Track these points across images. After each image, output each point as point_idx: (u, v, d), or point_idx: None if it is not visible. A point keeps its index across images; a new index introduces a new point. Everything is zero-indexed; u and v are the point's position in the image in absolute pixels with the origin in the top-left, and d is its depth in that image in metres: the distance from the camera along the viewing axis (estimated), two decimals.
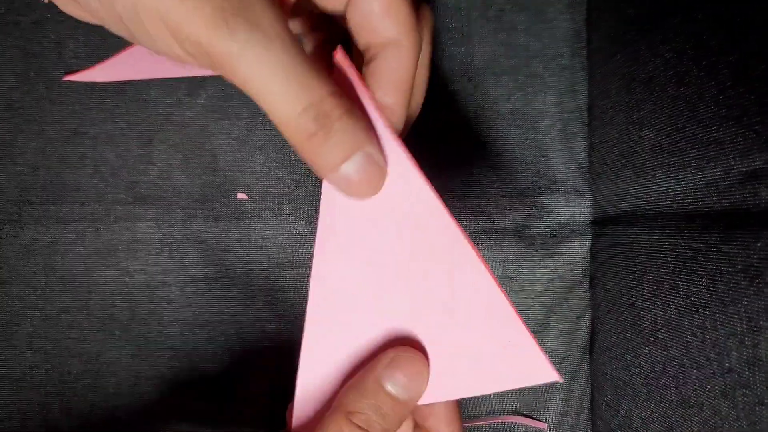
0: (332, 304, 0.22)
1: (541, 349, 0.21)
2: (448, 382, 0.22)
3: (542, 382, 0.21)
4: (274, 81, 0.18)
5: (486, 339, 0.21)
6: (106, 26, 0.19)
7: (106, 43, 0.33)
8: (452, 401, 0.24)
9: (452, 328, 0.21)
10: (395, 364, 0.21)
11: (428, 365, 0.21)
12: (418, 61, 0.22)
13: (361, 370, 0.22)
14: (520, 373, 0.21)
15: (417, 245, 0.21)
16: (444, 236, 0.21)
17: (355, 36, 0.22)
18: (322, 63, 0.19)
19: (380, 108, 0.21)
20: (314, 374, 0.22)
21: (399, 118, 0.22)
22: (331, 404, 0.21)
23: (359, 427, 0.20)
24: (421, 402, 0.22)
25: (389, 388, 0.21)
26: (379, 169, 0.20)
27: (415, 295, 0.21)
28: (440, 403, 0.23)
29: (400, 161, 0.21)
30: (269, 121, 0.35)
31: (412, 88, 0.22)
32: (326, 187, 0.21)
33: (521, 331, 0.21)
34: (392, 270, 0.21)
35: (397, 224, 0.21)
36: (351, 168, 0.19)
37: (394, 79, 0.21)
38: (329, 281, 0.22)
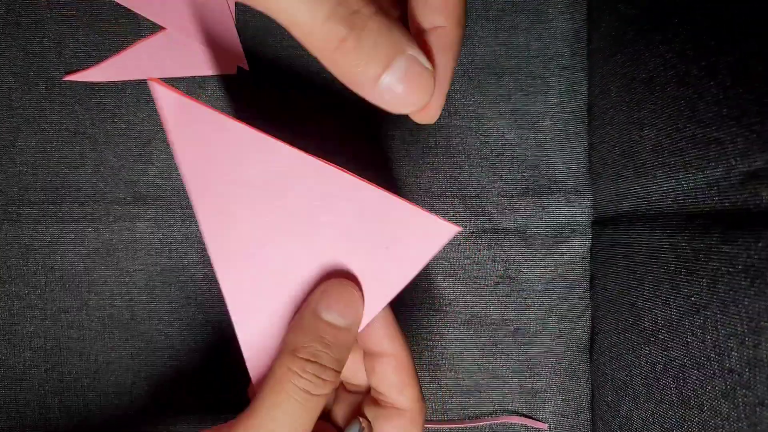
0: (241, 264, 0.22)
1: (429, 212, 0.21)
2: (373, 293, 0.22)
3: (446, 240, 0.22)
4: None
5: (381, 235, 0.21)
6: None
7: (106, 43, 0.33)
8: (388, 319, 0.24)
9: (354, 245, 0.22)
10: (327, 294, 0.21)
11: (358, 288, 0.21)
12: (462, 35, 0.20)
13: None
14: (423, 243, 0.21)
15: (294, 193, 0.21)
16: (304, 170, 0.21)
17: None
18: None
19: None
20: (252, 333, 0.22)
21: (454, 38, 0.20)
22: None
23: (306, 360, 0.20)
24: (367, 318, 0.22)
25: (327, 317, 0.20)
26: (427, 74, 0.17)
27: (315, 236, 0.21)
28: (377, 323, 0.23)
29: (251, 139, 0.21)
30: (269, 121, 0.35)
31: (465, 10, 0.20)
32: (179, 148, 0.20)
33: (402, 206, 0.21)
34: (283, 222, 0.21)
35: (272, 182, 0.21)
36: (395, 77, 0.17)
37: (442, 52, 0.19)
38: (227, 246, 0.21)
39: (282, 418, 0.20)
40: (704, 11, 0.24)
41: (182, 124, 0.20)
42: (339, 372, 0.21)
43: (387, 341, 0.24)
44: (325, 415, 0.26)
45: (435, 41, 0.19)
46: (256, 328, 0.22)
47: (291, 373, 0.20)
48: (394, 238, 0.22)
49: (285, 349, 0.21)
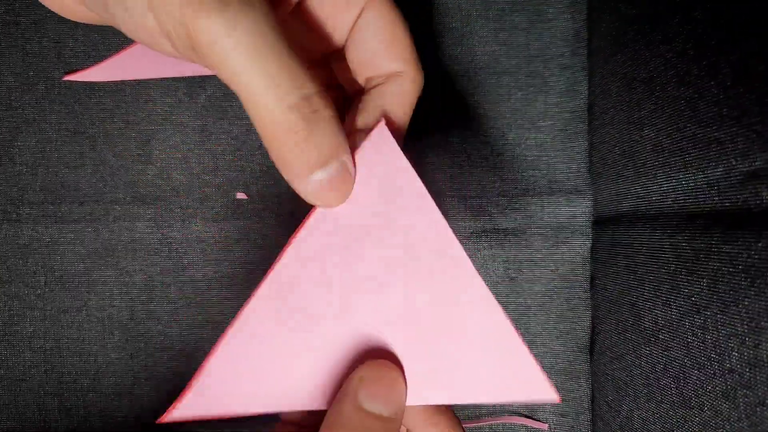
0: (286, 297, 0.20)
1: (541, 368, 0.20)
2: (438, 386, 0.20)
3: (537, 399, 0.20)
4: (266, 69, 0.16)
5: (481, 351, 0.20)
6: (87, 6, 0.18)
7: (105, 43, 0.33)
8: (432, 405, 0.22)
9: (444, 338, 0.20)
10: (368, 381, 0.19)
11: (400, 371, 0.20)
12: (420, 89, 0.21)
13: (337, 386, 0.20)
14: (516, 387, 0.20)
15: (409, 255, 0.20)
16: (443, 251, 0.20)
17: (355, 72, 0.21)
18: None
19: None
20: (238, 355, 0.20)
21: (411, 85, 0.21)
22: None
23: None
24: (410, 403, 0.20)
25: (370, 408, 0.18)
26: (350, 181, 0.19)
27: (396, 305, 0.20)
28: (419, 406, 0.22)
29: (407, 179, 0.20)
30: None
31: (411, 113, 0.21)
32: None
33: (520, 347, 0.20)
34: (369, 277, 0.20)
35: (388, 232, 0.20)
36: (325, 176, 0.18)
37: (396, 105, 0.21)
38: (292, 276, 0.20)
39: None
40: (705, 11, 0.24)
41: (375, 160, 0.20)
42: None
43: (430, 428, 0.22)
44: None
45: (392, 91, 0.21)
46: (243, 354, 0.20)
47: None
48: (485, 360, 0.20)
49: None
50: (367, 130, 0.20)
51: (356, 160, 0.20)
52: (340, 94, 0.25)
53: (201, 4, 0.15)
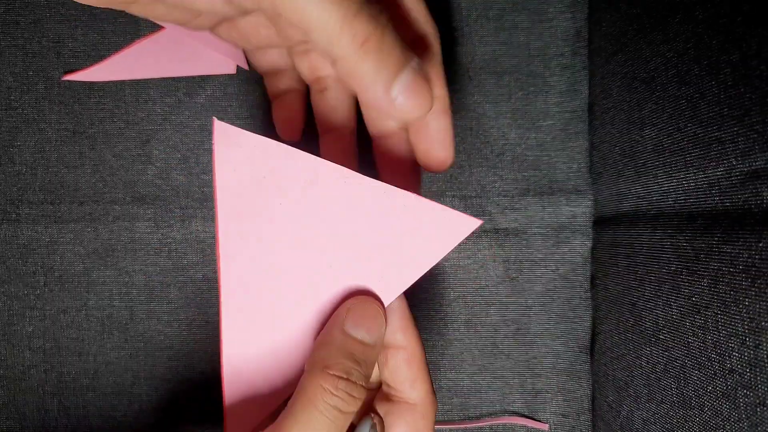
0: (247, 273, 0.22)
1: (446, 207, 0.22)
2: (389, 281, 0.22)
3: (466, 234, 0.22)
4: None
5: (396, 231, 0.22)
6: None
7: (104, 42, 0.33)
8: (403, 312, 0.24)
9: (367, 243, 0.22)
10: (354, 312, 0.21)
11: (381, 305, 0.22)
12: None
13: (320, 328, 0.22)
14: (441, 237, 0.22)
15: (313, 202, 0.22)
16: (317, 174, 0.21)
17: None
18: None
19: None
20: (241, 351, 0.22)
21: (447, 105, 0.23)
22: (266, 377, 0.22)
23: (339, 377, 0.20)
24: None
25: (355, 334, 0.21)
26: (426, 85, 0.19)
27: (332, 245, 0.22)
28: (392, 315, 0.24)
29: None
30: (269, 121, 0.35)
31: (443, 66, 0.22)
32: (220, 173, 0.22)
33: (419, 202, 0.22)
34: (300, 236, 0.22)
35: (294, 196, 0.22)
36: (403, 84, 0.18)
37: (431, 65, 0.22)
38: (240, 250, 0.22)
39: None
40: (705, 10, 0.24)
41: (225, 146, 0.21)
42: (366, 389, 0.21)
43: (401, 334, 0.24)
44: None
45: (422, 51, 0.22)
46: (246, 345, 0.22)
47: (323, 391, 0.20)
48: (409, 233, 0.22)
49: (315, 366, 0.21)
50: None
51: (216, 161, 0.21)
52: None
53: None
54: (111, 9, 0.21)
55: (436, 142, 0.23)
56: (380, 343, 0.22)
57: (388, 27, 0.18)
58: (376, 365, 0.25)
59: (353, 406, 0.21)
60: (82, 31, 0.33)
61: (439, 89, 0.23)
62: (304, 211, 0.22)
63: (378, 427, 0.23)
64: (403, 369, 0.24)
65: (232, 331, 0.22)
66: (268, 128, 0.33)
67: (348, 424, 0.21)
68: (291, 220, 0.22)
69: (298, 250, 0.22)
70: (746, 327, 0.21)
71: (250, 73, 0.33)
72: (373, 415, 0.24)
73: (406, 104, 0.19)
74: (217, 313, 0.33)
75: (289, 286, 0.22)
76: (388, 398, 0.24)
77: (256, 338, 0.22)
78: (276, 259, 0.22)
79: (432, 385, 0.24)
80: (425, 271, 0.22)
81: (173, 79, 0.33)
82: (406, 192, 0.22)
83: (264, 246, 0.22)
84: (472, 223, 0.22)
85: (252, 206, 0.22)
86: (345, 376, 0.20)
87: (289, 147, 0.21)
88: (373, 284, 0.22)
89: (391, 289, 0.22)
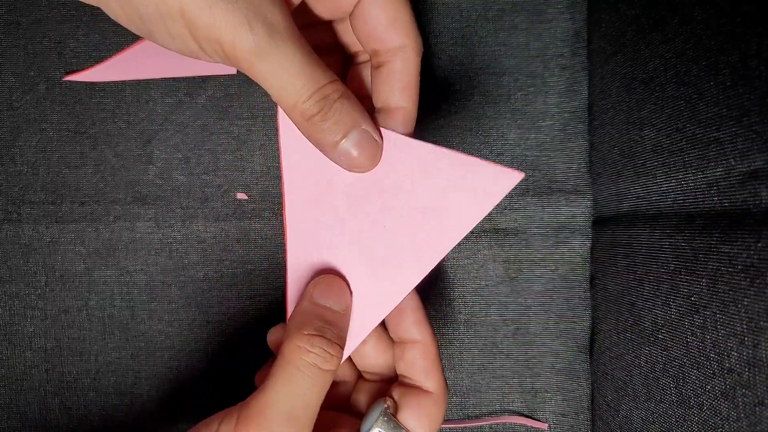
0: (308, 228, 0.24)
1: (486, 161, 0.23)
2: (438, 238, 0.23)
3: (510, 187, 0.23)
4: (286, 75, 0.20)
5: (430, 194, 0.23)
6: (122, 23, 0.21)
7: (106, 43, 0.33)
8: (418, 307, 0.26)
9: (401, 210, 0.24)
10: (319, 287, 0.24)
11: (344, 283, 0.24)
12: (420, 62, 0.24)
13: None
14: (486, 192, 0.23)
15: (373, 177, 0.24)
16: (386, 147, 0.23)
17: (361, 42, 0.24)
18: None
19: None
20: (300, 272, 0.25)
21: (411, 117, 0.25)
22: None
23: (313, 335, 0.22)
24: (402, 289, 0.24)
25: (323, 302, 0.23)
26: (375, 144, 0.23)
27: (387, 206, 0.24)
28: (407, 311, 0.25)
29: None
30: (269, 121, 0.35)
31: (418, 88, 0.25)
32: (285, 140, 0.24)
33: (461, 158, 0.23)
34: (356, 201, 0.24)
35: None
36: (349, 144, 0.22)
37: (405, 82, 0.24)
38: (302, 209, 0.24)
39: (294, 393, 0.21)
40: (704, 11, 0.24)
41: (290, 128, 0.23)
42: (342, 349, 0.23)
43: (416, 328, 0.25)
44: (344, 405, 0.27)
45: (396, 78, 0.24)
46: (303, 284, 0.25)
47: (300, 349, 0.22)
48: (455, 190, 0.23)
49: (291, 330, 0.22)
50: (387, 110, 0.24)
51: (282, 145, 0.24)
52: (340, 57, 0.27)
53: (239, 38, 0.19)
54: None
55: None
56: (348, 312, 0.24)
57: (335, 104, 0.21)
58: (381, 355, 0.27)
59: (331, 364, 0.22)
60: (84, 31, 0.33)
61: (410, 105, 0.25)
62: (357, 177, 0.24)
63: (391, 409, 0.25)
64: (418, 361, 0.25)
65: (293, 263, 0.25)
66: (273, 126, 0.33)
67: (329, 382, 0.22)
68: (349, 186, 0.24)
69: (354, 210, 0.24)
70: (745, 326, 0.22)
71: None
72: (387, 398, 0.25)
73: (353, 158, 0.22)
74: (219, 312, 0.33)
75: (345, 243, 0.24)
76: (402, 385, 0.26)
77: (311, 272, 0.25)
78: (335, 215, 0.24)
79: (444, 377, 0.26)
80: (472, 226, 0.23)
81: (174, 79, 0.33)
82: (451, 151, 0.23)
83: (323, 209, 0.24)
84: (514, 176, 0.22)
85: (313, 175, 0.24)
86: (319, 333, 0.22)
87: None
88: (423, 241, 0.23)
89: (441, 245, 0.23)
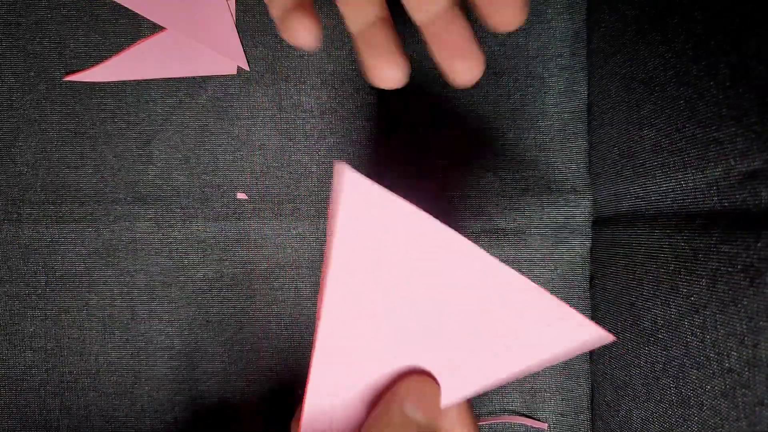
0: (343, 334, 0.21)
1: (579, 315, 0.20)
2: (486, 371, 0.22)
3: (594, 347, 0.21)
4: None
5: (512, 321, 0.21)
6: None
7: (106, 43, 0.33)
8: (465, 406, 0.24)
9: (475, 326, 0.21)
10: (413, 391, 0.21)
11: (438, 386, 0.22)
12: None
13: (378, 398, 0.22)
14: (571, 341, 0.21)
15: (430, 271, 0.21)
16: (452, 250, 0.20)
17: None
18: None
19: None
20: (321, 401, 0.22)
21: None
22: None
23: None
24: (455, 397, 0.22)
25: (412, 415, 0.21)
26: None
27: (429, 321, 0.21)
28: (452, 410, 0.23)
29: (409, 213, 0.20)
30: (269, 121, 0.35)
31: None
32: (342, 225, 0.20)
33: (560, 306, 0.21)
34: (404, 301, 0.21)
35: (410, 258, 0.20)
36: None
37: None
38: (340, 314, 0.21)
39: None
40: (704, 11, 0.24)
41: (354, 196, 0.19)
42: None
43: (459, 427, 0.23)
44: None
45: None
46: (324, 400, 0.22)
47: None
48: (522, 329, 0.21)
49: None
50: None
51: (339, 214, 0.19)
52: None
53: None
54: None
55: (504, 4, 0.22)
56: (435, 424, 0.21)
57: None
58: None
59: None
60: (84, 31, 0.33)
61: None
62: (416, 277, 0.20)
63: None
64: None
65: (319, 380, 0.22)
66: (273, 126, 0.33)
67: None
68: (401, 283, 0.21)
69: (400, 315, 0.21)
70: (745, 326, 0.22)
71: (250, 73, 0.33)
72: None
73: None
74: (219, 312, 0.33)
75: (383, 349, 0.21)
76: None
77: (339, 391, 0.22)
78: (376, 319, 0.21)
79: None
80: (535, 368, 0.21)
81: (174, 79, 0.33)
82: (535, 286, 0.20)
83: (368, 303, 0.21)
84: (603, 337, 0.20)
85: (366, 260, 0.20)
86: None
87: (417, 209, 0.20)
88: (465, 369, 0.21)
89: (485, 379, 0.22)
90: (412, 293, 0.21)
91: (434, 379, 0.22)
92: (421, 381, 0.21)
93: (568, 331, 0.21)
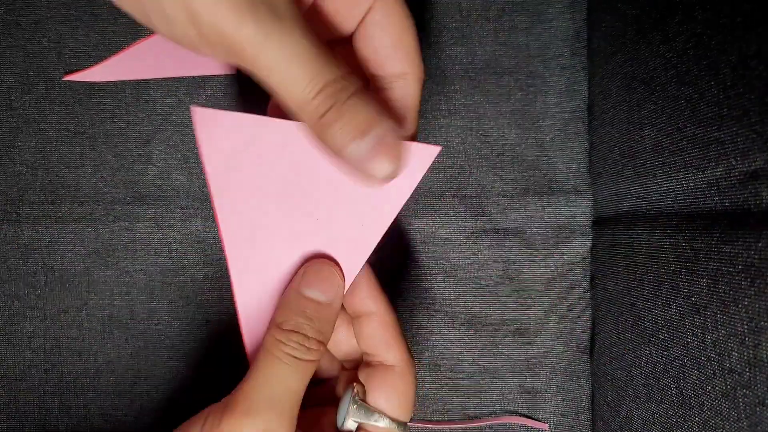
0: (246, 240, 0.24)
1: (407, 141, 0.22)
2: (371, 223, 0.24)
3: (429, 163, 0.23)
4: (292, 67, 0.18)
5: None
6: (123, 8, 0.20)
7: (106, 43, 0.33)
8: (371, 280, 0.25)
9: (334, 198, 0.23)
10: (308, 274, 0.23)
11: (337, 267, 0.24)
12: (422, 89, 0.23)
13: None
14: (410, 169, 0.23)
15: (292, 163, 0.23)
16: (293, 138, 0.22)
17: (363, 65, 0.23)
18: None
19: None
20: (251, 307, 0.24)
21: (416, 86, 0.23)
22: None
23: (290, 330, 0.22)
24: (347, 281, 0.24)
25: (309, 294, 0.23)
26: (398, 145, 0.20)
27: (315, 199, 0.23)
28: (361, 284, 0.25)
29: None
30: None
31: (418, 115, 0.24)
32: (204, 141, 0.23)
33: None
34: (284, 196, 0.23)
35: (281, 164, 0.23)
36: (366, 146, 0.19)
37: (404, 110, 0.23)
38: (236, 221, 0.24)
39: (274, 380, 0.22)
40: (705, 11, 0.24)
41: (208, 128, 0.22)
42: (324, 342, 0.23)
43: (371, 301, 0.25)
44: (332, 399, 0.27)
45: (398, 92, 0.23)
46: (254, 301, 0.24)
47: (278, 341, 0.22)
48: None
49: (272, 324, 0.23)
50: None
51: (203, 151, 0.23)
52: None
53: (240, 21, 0.17)
54: (114, 9, 0.22)
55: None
56: (338, 302, 0.24)
57: (349, 100, 0.19)
58: (353, 335, 0.26)
59: (310, 355, 0.22)
60: (83, 31, 0.33)
61: (411, 129, 0.24)
62: (286, 172, 0.23)
63: (360, 394, 0.24)
64: (377, 333, 0.25)
65: (241, 286, 0.24)
66: None
67: (310, 371, 0.23)
68: (276, 182, 0.23)
69: (286, 209, 0.23)
70: (745, 327, 0.21)
71: None
72: (355, 384, 0.25)
73: (370, 163, 0.20)
74: (219, 312, 0.33)
75: (284, 244, 0.24)
76: (368, 365, 0.25)
77: (261, 289, 0.24)
78: (269, 219, 0.24)
79: (408, 347, 0.25)
80: (401, 204, 0.23)
81: (174, 79, 0.33)
82: None
83: (256, 209, 0.23)
84: (432, 151, 0.23)
85: (239, 175, 0.23)
86: (296, 330, 0.22)
87: (261, 116, 0.23)
88: (356, 229, 0.24)
89: (375, 229, 0.24)
90: (287, 188, 0.23)
91: (331, 259, 0.24)
92: (316, 263, 0.23)
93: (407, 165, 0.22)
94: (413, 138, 0.24)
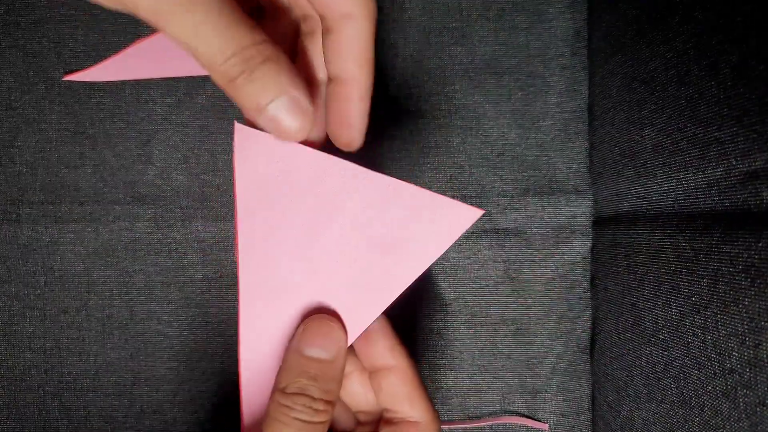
0: (263, 287, 0.23)
1: (446, 197, 0.22)
2: (395, 275, 0.22)
3: (468, 225, 0.22)
4: (204, 32, 0.18)
5: (390, 227, 0.22)
6: None
7: (105, 43, 0.33)
8: (387, 331, 0.24)
9: (358, 244, 0.22)
10: (307, 332, 0.22)
11: (337, 320, 0.23)
12: (375, 30, 0.22)
13: None
14: (445, 228, 0.22)
15: (322, 201, 0.22)
16: (334, 179, 0.22)
17: (312, 4, 0.22)
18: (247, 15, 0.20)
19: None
20: (257, 368, 0.24)
21: (365, 89, 0.22)
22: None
23: (295, 394, 0.21)
24: (357, 332, 0.23)
25: (310, 353, 0.22)
26: (304, 113, 0.20)
27: (340, 239, 0.22)
28: (376, 337, 0.24)
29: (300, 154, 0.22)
30: None
31: (373, 58, 0.22)
32: (240, 174, 0.22)
33: (421, 193, 0.22)
34: (309, 234, 0.23)
35: (309, 199, 0.22)
36: (277, 108, 0.20)
37: (357, 52, 0.22)
38: (256, 251, 0.23)
39: None
40: (705, 11, 0.24)
41: (247, 147, 0.22)
42: (331, 401, 0.22)
43: (389, 353, 0.24)
44: None
45: (345, 47, 0.22)
46: (257, 364, 0.24)
47: (283, 407, 0.21)
48: (413, 226, 0.22)
49: (275, 390, 0.22)
50: (339, 81, 0.22)
51: (236, 163, 0.22)
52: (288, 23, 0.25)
53: None
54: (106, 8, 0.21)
55: (345, 124, 0.23)
56: (341, 357, 0.22)
57: (260, 66, 0.19)
58: (368, 386, 0.25)
59: (318, 416, 0.21)
60: (83, 31, 0.33)
61: (363, 76, 0.22)
62: (315, 208, 0.22)
63: None
64: (398, 388, 0.24)
65: (249, 337, 0.24)
66: None
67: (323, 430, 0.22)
68: (303, 216, 0.22)
69: (310, 244, 0.23)
70: (746, 326, 0.21)
71: None
72: None
73: (281, 125, 0.20)
74: (219, 313, 0.33)
75: (303, 282, 0.23)
76: (389, 422, 0.24)
77: (271, 339, 0.23)
78: (290, 253, 0.23)
79: (431, 402, 0.24)
80: (430, 263, 0.22)
81: (173, 79, 0.33)
82: (409, 185, 0.22)
83: (279, 240, 0.23)
84: (473, 214, 0.22)
85: (268, 203, 0.22)
86: (301, 392, 0.21)
87: (301, 146, 0.22)
88: (376, 280, 0.22)
89: (397, 282, 0.23)
90: (314, 225, 0.22)
91: (331, 312, 0.23)
92: (314, 319, 0.22)
93: (441, 218, 0.22)
94: (365, 82, 0.23)
